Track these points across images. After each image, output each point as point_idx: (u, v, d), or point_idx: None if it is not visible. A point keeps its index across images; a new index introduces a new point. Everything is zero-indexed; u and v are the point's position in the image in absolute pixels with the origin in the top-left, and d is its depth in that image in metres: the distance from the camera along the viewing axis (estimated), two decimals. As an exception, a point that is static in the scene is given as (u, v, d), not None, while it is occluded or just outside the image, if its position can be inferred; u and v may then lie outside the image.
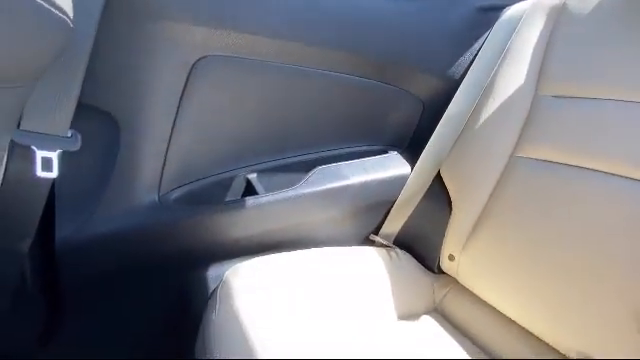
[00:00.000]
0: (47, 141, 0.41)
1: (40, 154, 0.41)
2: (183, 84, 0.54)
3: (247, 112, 0.60)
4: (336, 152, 0.71)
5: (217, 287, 0.52)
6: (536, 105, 0.58)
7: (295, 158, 0.67)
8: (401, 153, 0.73)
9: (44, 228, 0.48)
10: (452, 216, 0.62)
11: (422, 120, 0.74)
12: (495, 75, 0.63)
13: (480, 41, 0.68)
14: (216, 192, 0.61)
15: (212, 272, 0.60)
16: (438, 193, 0.66)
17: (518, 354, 0.52)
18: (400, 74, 0.70)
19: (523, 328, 0.53)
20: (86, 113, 0.46)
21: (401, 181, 0.69)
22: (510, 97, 0.60)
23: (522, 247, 0.53)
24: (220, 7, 0.51)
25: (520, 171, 0.56)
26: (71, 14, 0.26)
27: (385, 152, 0.73)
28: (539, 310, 0.50)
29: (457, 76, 0.70)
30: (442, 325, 0.58)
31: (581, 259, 0.47)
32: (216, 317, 0.48)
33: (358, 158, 0.70)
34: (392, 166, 0.71)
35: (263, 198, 0.60)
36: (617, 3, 0.53)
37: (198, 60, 0.53)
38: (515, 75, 0.60)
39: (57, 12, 0.23)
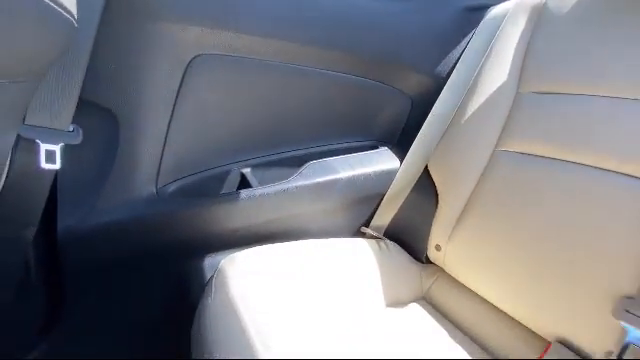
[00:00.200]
0: (51, 135, 0.44)
1: (44, 147, 0.43)
2: (179, 82, 0.56)
3: (241, 109, 0.63)
4: (328, 147, 0.73)
5: (213, 275, 0.54)
6: (518, 101, 0.60)
7: (288, 153, 0.70)
8: (391, 148, 0.76)
9: (47, 218, 0.50)
10: (438, 208, 0.65)
11: (411, 116, 0.76)
12: (479, 73, 0.65)
13: (466, 40, 0.71)
14: (212, 185, 0.64)
15: (208, 261, 0.63)
16: (426, 186, 0.69)
17: (501, 339, 0.54)
18: (390, 72, 0.73)
19: (506, 314, 0.55)
20: (87, 109, 0.48)
21: (390, 175, 0.72)
22: (493, 94, 0.63)
23: (504, 237, 0.55)
24: (215, 7, 0.53)
25: (502, 164, 0.59)
26: (75, 14, 0.28)
27: (375, 147, 0.76)
28: (520, 296, 0.53)
29: (444, 74, 0.72)
30: (429, 312, 0.61)
31: (559, 248, 0.49)
32: (212, 302, 0.50)
33: (349, 153, 0.73)
34: (382, 161, 0.73)
35: (257, 191, 0.63)
36: (595, 3, 0.56)
37: (194, 58, 0.55)
38: (498, 73, 0.63)
39: (62, 12, 0.25)
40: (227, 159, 0.65)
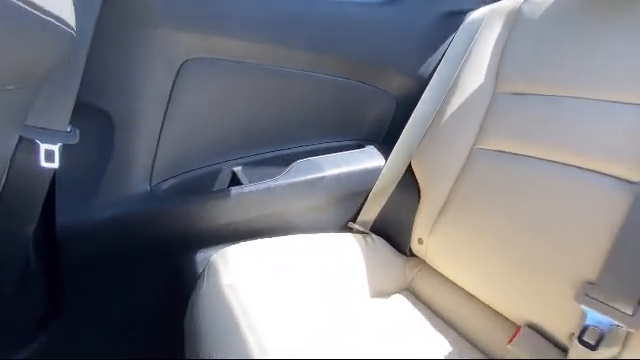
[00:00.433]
0: (49, 135, 0.46)
1: (43, 147, 0.46)
2: (171, 84, 0.59)
3: (231, 110, 0.66)
4: (315, 146, 0.76)
5: (205, 268, 0.57)
6: (494, 101, 0.63)
7: (277, 152, 0.73)
8: (376, 147, 0.79)
9: (46, 214, 0.53)
10: (420, 204, 0.68)
11: (396, 116, 0.80)
12: (459, 75, 0.69)
13: (447, 43, 0.74)
14: (203, 183, 0.67)
15: (201, 255, 0.66)
16: (409, 183, 0.72)
17: (476, 324, 0.57)
18: (375, 74, 0.76)
19: (482, 302, 0.58)
20: (83, 111, 0.51)
21: (376, 173, 0.75)
22: (471, 94, 0.66)
23: (480, 230, 0.59)
24: (204, 14, 0.56)
25: (480, 161, 0.62)
26: (74, 25, 0.31)
27: (362, 146, 0.79)
28: (494, 285, 0.56)
29: (426, 75, 0.75)
30: (412, 302, 0.64)
31: (529, 238, 0.52)
32: (204, 293, 0.53)
33: (336, 152, 0.76)
34: (367, 159, 0.76)
35: (247, 188, 0.66)
36: (566, 9, 0.59)
37: (184, 62, 0.58)
38: (476, 74, 0.66)
39: (62, 26, 0.28)
40: (218, 158, 0.68)
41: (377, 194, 0.75)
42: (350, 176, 0.74)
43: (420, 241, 0.67)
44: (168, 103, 0.61)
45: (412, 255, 0.71)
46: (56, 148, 0.47)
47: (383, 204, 0.76)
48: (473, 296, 0.60)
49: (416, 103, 0.74)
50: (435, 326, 0.59)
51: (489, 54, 0.66)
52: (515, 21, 0.65)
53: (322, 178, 0.71)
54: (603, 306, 0.42)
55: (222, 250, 0.60)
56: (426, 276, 0.67)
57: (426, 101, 0.72)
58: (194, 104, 0.62)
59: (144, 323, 0.67)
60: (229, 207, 0.66)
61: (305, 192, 0.71)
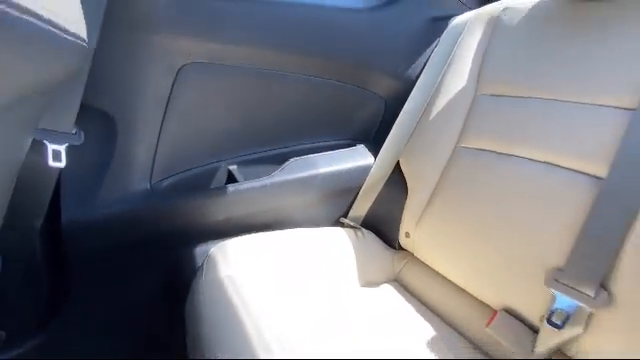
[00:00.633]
0: (56, 136, 0.49)
1: (51, 147, 0.49)
2: (170, 87, 0.63)
3: (227, 111, 0.69)
4: (308, 146, 0.80)
5: (204, 260, 0.61)
6: (476, 103, 0.67)
7: (271, 151, 0.77)
8: (366, 146, 0.83)
9: (52, 210, 0.56)
10: (408, 199, 0.72)
11: (385, 116, 0.83)
12: (443, 77, 0.72)
13: (432, 47, 0.78)
14: (201, 181, 0.70)
15: (200, 249, 0.69)
16: (397, 180, 0.75)
17: (458, 311, 0.61)
18: (365, 76, 0.80)
19: (463, 290, 0.62)
20: (88, 113, 0.54)
21: (366, 170, 0.79)
22: (455, 96, 0.70)
23: (462, 223, 0.62)
24: (202, 22, 0.60)
25: (462, 159, 0.66)
26: (85, 37, 0.34)
27: (353, 145, 0.83)
28: (474, 273, 0.60)
29: (413, 78, 0.79)
30: (399, 291, 0.68)
31: (506, 229, 0.56)
32: (203, 282, 0.56)
33: (328, 151, 0.79)
34: (358, 157, 0.80)
35: (243, 185, 0.69)
36: (542, 17, 0.63)
37: (183, 66, 0.62)
38: (459, 77, 0.70)
39: (73, 38, 0.31)
40: (215, 157, 0.72)
41: (367, 191, 0.79)
42: (342, 174, 0.78)
43: (407, 235, 0.71)
44: (167, 105, 0.64)
45: (400, 248, 0.75)
46: (62, 148, 0.50)
47: (373, 200, 0.79)
48: (455, 285, 0.63)
49: (404, 104, 0.78)
50: (420, 312, 0.62)
51: (471, 58, 0.70)
52: (495, 27, 0.69)
53: (315, 176, 0.75)
54: (569, 289, 0.46)
55: (220, 244, 0.64)
56: (413, 267, 0.71)
57: (413, 102, 0.76)
58: (192, 106, 0.66)
59: (146, 311, 0.71)
60: (227, 203, 0.69)
61: (299, 189, 0.74)
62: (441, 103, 0.71)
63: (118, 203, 0.62)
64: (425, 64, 0.78)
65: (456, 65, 0.71)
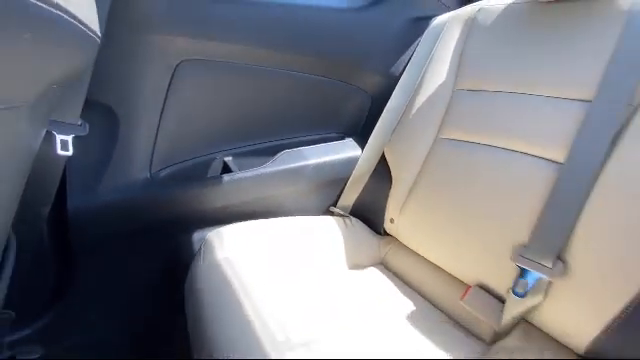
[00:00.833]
0: (64, 127, 0.53)
1: (59, 137, 0.53)
2: (168, 83, 0.67)
3: (222, 106, 0.73)
4: (299, 139, 0.84)
5: (202, 244, 0.65)
6: (454, 97, 0.72)
7: (264, 144, 0.81)
8: (354, 139, 0.88)
9: (58, 199, 0.60)
10: (392, 188, 0.77)
11: (371, 111, 0.88)
12: (424, 74, 0.77)
13: (414, 45, 0.83)
14: (198, 171, 0.74)
15: (197, 235, 0.73)
16: (382, 171, 0.80)
17: (437, 288, 0.66)
18: (352, 73, 0.84)
19: (442, 269, 0.67)
20: (92, 106, 0.58)
21: (353, 162, 0.84)
22: (435, 91, 0.75)
23: (441, 207, 0.67)
24: (198, 22, 0.64)
25: (442, 149, 0.71)
26: (99, 32, 0.37)
27: (341, 138, 0.88)
28: (451, 253, 0.64)
29: (397, 74, 0.84)
30: (384, 273, 0.73)
31: (478, 212, 0.61)
32: (202, 263, 0.61)
33: (318, 143, 0.84)
34: (346, 149, 0.85)
35: (238, 175, 0.74)
36: (512, 19, 0.68)
37: (180, 63, 0.66)
38: (439, 73, 0.75)
39: (89, 31, 0.34)
40: (211, 149, 0.76)
41: (355, 181, 0.84)
42: (331, 165, 0.83)
43: (392, 221, 0.76)
44: (165, 100, 0.68)
45: (386, 234, 0.80)
46: (69, 138, 0.54)
47: (360, 190, 0.84)
48: (435, 265, 0.68)
49: (389, 99, 0.83)
50: (402, 291, 0.67)
51: (450, 56, 0.75)
52: (471, 27, 0.74)
53: (305, 167, 0.80)
54: (531, 263, 0.51)
55: (217, 230, 0.68)
56: (397, 251, 0.76)
57: (396, 97, 0.81)
58: (188, 101, 0.70)
59: (147, 293, 0.75)
60: (222, 192, 0.73)
61: (290, 179, 0.79)
62: (422, 98, 0.76)
63: (120, 191, 0.66)
64: (408, 61, 0.82)
65: (436, 63, 0.76)
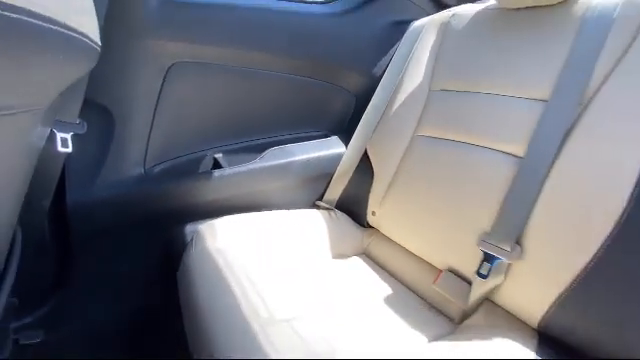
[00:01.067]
0: (64, 126, 0.57)
1: (59, 135, 0.57)
2: (160, 84, 0.71)
3: (212, 105, 0.78)
4: (286, 137, 0.89)
5: (194, 236, 0.70)
6: (430, 97, 0.77)
7: (253, 141, 0.86)
8: (339, 136, 0.92)
9: (58, 193, 0.64)
10: (373, 182, 0.82)
11: (355, 110, 0.93)
12: (403, 75, 0.83)
13: (395, 47, 0.88)
14: (190, 167, 0.79)
15: (190, 227, 0.77)
16: (365, 166, 0.85)
17: (413, 273, 0.70)
18: (336, 74, 0.89)
19: (418, 256, 0.72)
20: (89, 106, 0.62)
21: (338, 158, 0.88)
22: (413, 91, 0.80)
23: (417, 199, 0.72)
24: (188, 26, 0.68)
25: (419, 146, 0.76)
26: (97, 39, 0.41)
27: (326, 136, 0.92)
28: (425, 241, 0.69)
29: (379, 74, 0.89)
30: (366, 262, 0.78)
31: (449, 202, 0.65)
32: (193, 254, 0.65)
33: (304, 141, 0.89)
34: (331, 147, 0.90)
35: (227, 171, 0.78)
36: (482, 24, 0.73)
37: (172, 65, 0.70)
38: (416, 75, 0.80)
39: (92, 43, 0.38)
40: (202, 146, 0.80)
41: (339, 176, 0.89)
42: (317, 161, 0.88)
43: (373, 213, 0.81)
44: (158, 100, 0.72)
45: (369, 226, 0.85)
46: (69, 136, 0.58)
47: (345, 184, 0.89)
48: (411, 253, 0.73)
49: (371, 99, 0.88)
50: (382, 278, 0.72)
51: (426, 58, 0.80)
52: (445, 31, 0.79)
53: (292, 162, 0.84)
54: (493, 247, 0.56)
55: (208, 222, 0.72)
56: (379, 242, 0.81)
57: (378, 97, 0.86)
58: (180, 101, 0.74)
59: (143, 279, 0.79)
60: (213, 187, 0.78)
61: (278, 174, 0.84)
62: (401, 98, 0.81)
63: (116, 186, 0.70)
64: (389, 63, 0.87)
65: (414, 64, 0.81)
